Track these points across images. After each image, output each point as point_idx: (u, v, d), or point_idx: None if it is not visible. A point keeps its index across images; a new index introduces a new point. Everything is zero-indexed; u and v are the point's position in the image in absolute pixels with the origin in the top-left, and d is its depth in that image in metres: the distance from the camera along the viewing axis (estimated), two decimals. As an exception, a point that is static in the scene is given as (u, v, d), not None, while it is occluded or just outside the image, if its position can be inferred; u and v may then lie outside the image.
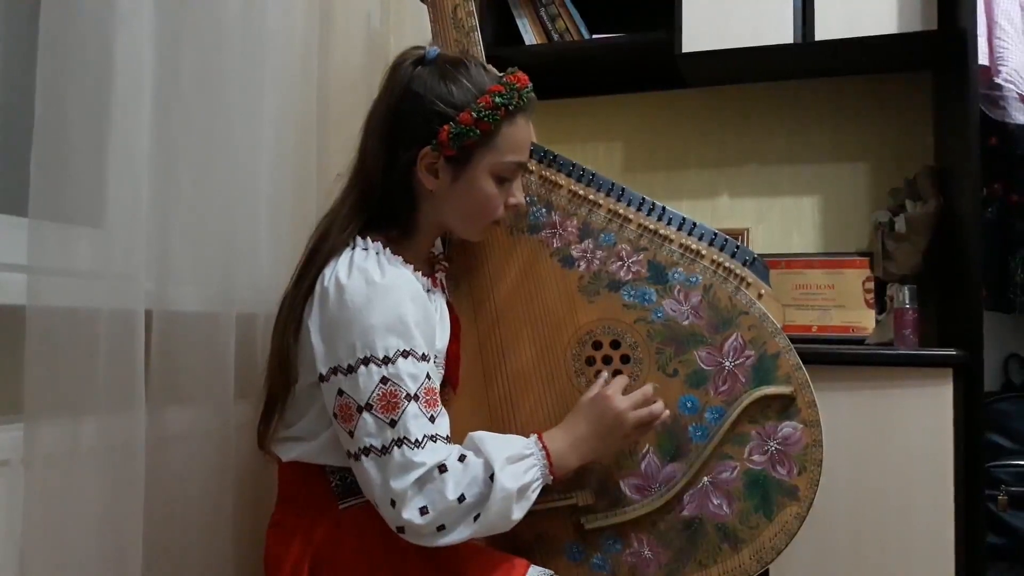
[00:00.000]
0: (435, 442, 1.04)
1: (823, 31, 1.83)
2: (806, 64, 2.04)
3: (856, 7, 1.80)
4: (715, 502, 1.21)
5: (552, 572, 1.18)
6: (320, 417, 1.11)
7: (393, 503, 1.01)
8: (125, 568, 1.05)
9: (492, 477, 1.03)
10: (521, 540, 1.24)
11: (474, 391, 1.27)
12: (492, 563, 1.16)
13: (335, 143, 1.50)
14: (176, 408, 1.16)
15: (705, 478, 1.22)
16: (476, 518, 1.03)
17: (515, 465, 1.07)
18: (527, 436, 1.13)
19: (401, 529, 1.03)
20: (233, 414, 1.24)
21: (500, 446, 1.07)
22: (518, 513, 1.06)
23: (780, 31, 1.86)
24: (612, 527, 1.22)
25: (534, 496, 1.09)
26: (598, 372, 1.26)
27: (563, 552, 1.23)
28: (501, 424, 1.25)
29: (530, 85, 1.17)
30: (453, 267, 1.31)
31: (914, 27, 1.77)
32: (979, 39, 1.70)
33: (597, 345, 1.27)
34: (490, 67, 1.21)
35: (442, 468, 1.03)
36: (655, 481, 1.23)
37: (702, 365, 1.24)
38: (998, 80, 1.81)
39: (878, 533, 1.59)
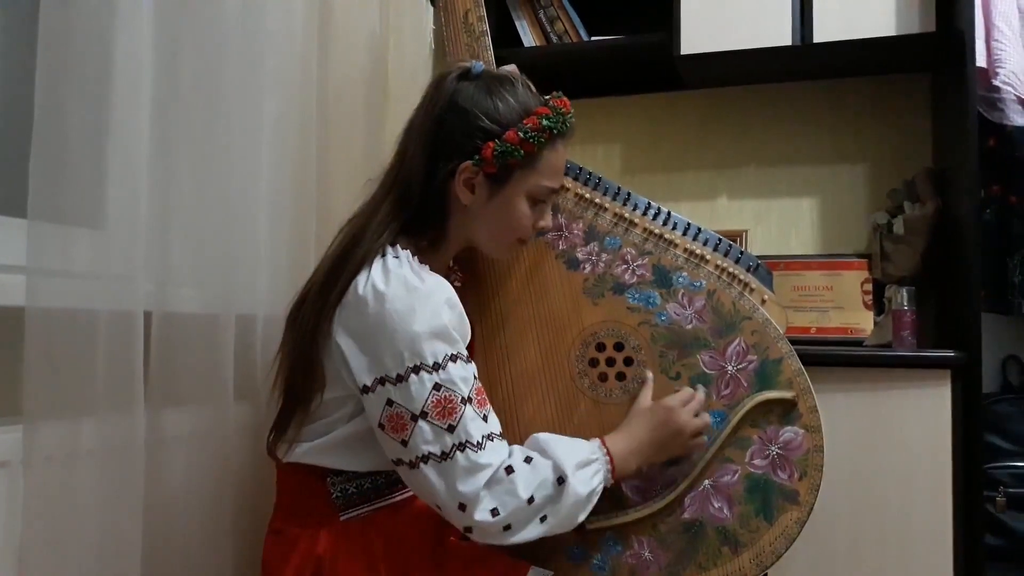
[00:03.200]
0: (493, 441, 1.05)
1: (821, 33, 1.83)
2: (805, 66, 2.04)
3: (854, 9, 1.80)
4: (716, 505, 1.21)
5: (552, 573, 1.18)
6: (334, 423, 1.11)
7: (463, 507, 1.02)
8: (124, 568, 1.05)
9: (561, 480, 1.05)
10: (522, 542, 1.23)
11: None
12: (494, 565, 1.16)
13: (335, 144, 1.50)
14: (175, 409, 1.15)
15: (706, 481, 1.22)
16: (544, 519, 1.05)
17: (584, 470, 1.08)
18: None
19: (469, 529, 1.04)
20: (232, 415, 1.24)
21: (568, 450, 1.08)
22: (582, 517, 1.09)
23: (779, 33, 1.86)
24: (613, 528, 1.22)
25: (596, 499, 1.10)
26: (601, 374, 1.26)
27: (563, 553, 1.23)
28: (504, 425, 1.24)
29: (572, 111, 1.17)
30: (459, 267, 1.31)
31: (912, 29, 1.77)
32: (977, 41, 1.70)
33: (601, 347, 1.27)
34: (531, 86, 1.20)
35: (509, 469, 1.04)
36: (656, 483, 1.23)
37: (705, 369, 1.24)
38: (996, 82, 1.82)
39: (877, 534, 1.59)
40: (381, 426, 1.04)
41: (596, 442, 1.14)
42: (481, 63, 1.18)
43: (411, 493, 1.19)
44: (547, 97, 1.17)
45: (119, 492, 1.05)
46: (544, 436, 1.11)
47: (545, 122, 1.12)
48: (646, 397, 1.22)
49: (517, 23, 2.17)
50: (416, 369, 1.01)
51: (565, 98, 1.17)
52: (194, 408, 1.18)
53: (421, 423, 1.01)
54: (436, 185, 1.13)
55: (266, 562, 1.15)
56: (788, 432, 1.21)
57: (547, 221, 1.21)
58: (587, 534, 1.22)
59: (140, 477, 1.07)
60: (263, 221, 1.32)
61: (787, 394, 1.21)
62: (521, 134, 1.11)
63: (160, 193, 1.13)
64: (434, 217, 1.15)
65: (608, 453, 1.13)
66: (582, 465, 1.08)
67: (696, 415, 1.19)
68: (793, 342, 1.26)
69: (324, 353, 1.08)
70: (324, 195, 1.45)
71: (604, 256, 1.29)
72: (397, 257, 1.08)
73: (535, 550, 1.23)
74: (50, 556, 0.97)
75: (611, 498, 1.22)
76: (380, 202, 1.14)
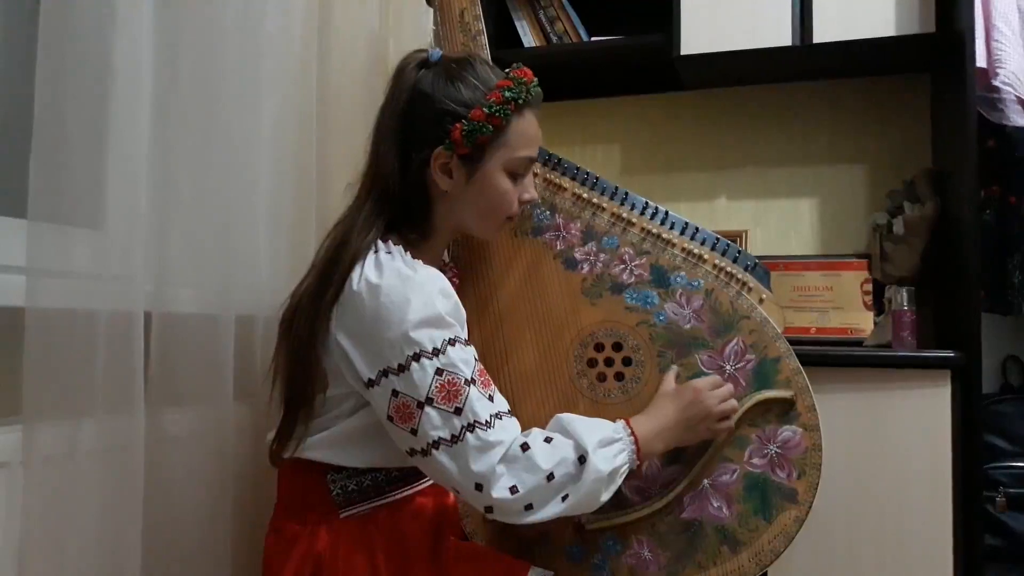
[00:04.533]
0: (501, 419, 1.05)
1: (821, 33, 1.83)
2: (804, 66, 2.04)
3: (854, 9, 1.80)
4: (715, 504, 1.21)
5: (552, 573, 1.18)
6: (335, 419, 1.11)
7: (479, 486, 1.02)
8: (123, 569, 1.05)
9: (583, 459, 1.04)
10: (522, 540, 1.24)
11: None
12: (494, 566, 1.16)
13: (335, 145, 1.50)
14: (175, 410, 1.15)
15: (705, 481, 1.22)
16: (565, 498, 1.04)
17: (606, 448, 1.08)
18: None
19: (489, 509, 1.03)
20: (231, 416, 1.24)
21: (590, 429, 1.08)
22: (606, 496, 1.07)
23: (778, 33, 1.86)
24: (612, 528, 1.22)
25: (620, 480, 1.10)
26: (600, 375, 1.26)
27: (564, 553, 1.23)
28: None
29: (535, 80, 1.17)
30: (456, 266, 1.31)
31: (912, 29, 1.77)
32: (977, 42, 1.70)
33: (599, 347, 1.27)
34: (490, 64, 1.21)
35: (525, 447, 1.04)
36: (655, 483, 1.23)
37: (703, 368, 1.24)
38: (996, 83, 1.82)
39: (876, 535, 1.59)
40: (390, 418, 1.04)
41: (621, 422, 1.13)
42: (438, 49, 1.19)
43: (411, 491, 1.19)
44: (507, 70, 1.17)
45: (119, 493, 1.05)
46: (567, 416, 1.11)
47: (507, 93, 1.12)
48: (670, 381, 1.22)
49: (517, 23, 2.17)
50: (416, 357, 1.02)
51: (526, 68, 1.17)
52: (194, 408, 1.18)
53: (428, 409, 1.01)
54: (412, 176, 1.14)
55: (267, 560, 1.15)
56: (786, 431, 1.21)
57: (531, 193, 1.21)
58: (587, 534, 1.22)
59: (140, 478, 1.07)
60: (262, 221, 1.32)
61: (785, 393, 1.22)
62: (486, 110, 1.11)
63: (160, 194, 1.14)
64: (418, 209, 1.16)
65: (633, 433, 1.12)
66: (605, 443, 1.08)
67: (724, 401, 1.19)
68: (793, 342, 1.26)
69: (323, 354, 1.08)
70: (323, 195, 1.45)
71: (602, 256, 1.29)
72: (389, 252, 1.09)
73: (535, 550, 1.23)
74: (49, 557, 0.97)
75: (611, 498, 1.22)
76: (362, 204, 1.15)
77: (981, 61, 1.79)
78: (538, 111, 1.19)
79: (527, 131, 1.16)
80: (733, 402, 1.20)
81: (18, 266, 0.96)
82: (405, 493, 1.18)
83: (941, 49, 1.80)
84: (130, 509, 1.06)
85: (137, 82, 1.06)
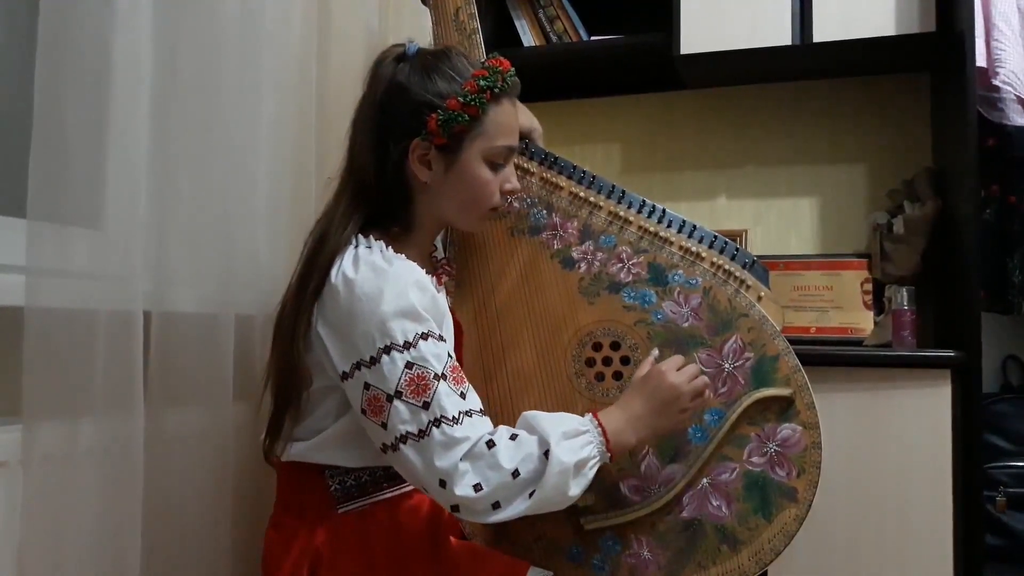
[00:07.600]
0: (471, 417, 1.04)
1: (821, 33, 1.83)
2: (804, 66, 2.04)
3: (854, 9, 1.80)
4: (714, 503, 1.21)
5: (551, 573, 1.18)
6: (324, 417, 1.12)
7: (443, 483, 1.00)
8: (123, 569, 1.05)
9: (547, 453, 1.02)
10: (521, 541, 1.24)
11: (475, 391, 1.26)
12: (493, 565, 1.16)
13: (333, 144, 1.49)
14: (174, 409, 1.15)
15: (704, 479, 1.22)
16: (532, 494, 1.02)
17: (571, 440, 1.05)
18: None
19: (456, 508, 1.02)
20: (231, 415, 1.24)
21: (554, 423, 1.06)
22: (576, 489, 1.04)
23: (778, 33, 1.86)
24: (612, 528, 1.22)
25: (592, 473, 1.07)
26: (598, 374, 1.26)
27: (563, 553, 1.23)
28: (501, 424, 1.25)
29: (512, 69, 1.17)
30: (451, 266, 1.31)
31: (912, 29, 1.77)
32: (977, 41, 1.70)
33: (597, 346, 1.27)
34: (471, 56, 1.22)
35: (491, 444, 1.02)
36: (654, 482, 1.23)
37: (702, 367, 1.24)
38: (996, 82, 1.82)
39: (876, 534, 1.59)
40: (363, 411, 1.04)
41: (588, 415, 1.11)
42: (415, 43, 1.19)
43: (409, 487, 1.19)
44: (483, 60, 1.17)
45: (118, 492, 1.05)
46: (532, 413, 1.09)
47: (482, 82, 1.13)
48: (643, 369, 1.19)
49: (517, 23, 2.17)
50: (387, 349, 1.02)
51: (503, 58, 1.17)
52: (193, 408, 1.19)
53: (396, 403, 1.01)
54: (391, 169, 1.14)
55: (266, 555, 1.15)
56: (786, 429, 1.21)
57: (513, 184, 1.20)
58: (586, 534, 1.22)
59: (139, 477, 1.07)
60: (262, 220, 1.32)
61: (784, 391, 1.21)
62: (461, 99, 1.12)
63: (159, 193, 1.14)
64: (398, 203, 1.16)
65: (600, 425, 1.09)
66: (570, 435, 1.05)
67: (692, 378, 1.16)
68: (793, 342, 1.25)
69: (307, 349, 1.09)
70: (323, 194, 1.45)
71: (599, 255, 1.29)
72: (369, 247, 1.10)
73: (535, 549, 1.23)
74: (49, 556, 0.97)
75: (610, 498, 1.23)
76: (339, 199, 1.15)
77: (981, 60, 1.79)
78: (515, 100, 1.19)
79: (504, 120, 1.16)
80: (704, 378, 1.18)
81: (17, 265, 0.96)
82: (404, 490, 1.19)
83: (941, 48, 1.80)
84: (129, 508, 1.06)
85: (137, 81, 1.07)
